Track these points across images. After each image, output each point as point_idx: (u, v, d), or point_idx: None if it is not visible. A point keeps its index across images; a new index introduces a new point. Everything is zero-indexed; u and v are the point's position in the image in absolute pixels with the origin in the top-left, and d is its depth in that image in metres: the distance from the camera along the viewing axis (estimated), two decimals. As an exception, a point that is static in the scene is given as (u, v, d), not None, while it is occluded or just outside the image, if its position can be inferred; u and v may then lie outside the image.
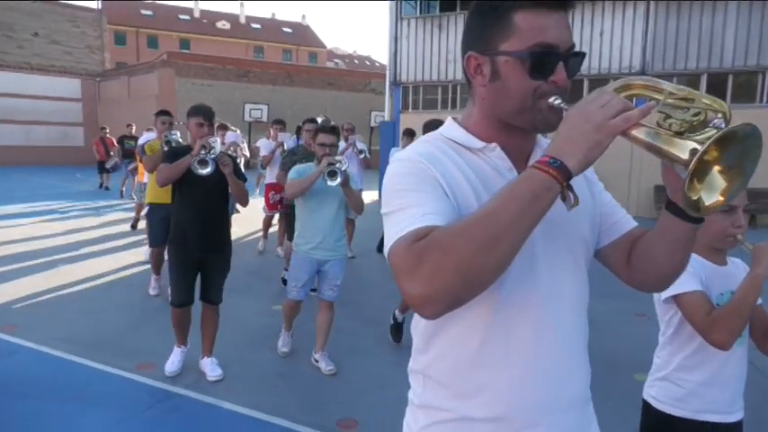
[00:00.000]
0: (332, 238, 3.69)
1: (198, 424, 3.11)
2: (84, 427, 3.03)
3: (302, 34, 48.59)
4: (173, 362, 3.67)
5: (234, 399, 3.29)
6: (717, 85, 11.33)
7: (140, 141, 7.06)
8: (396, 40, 14.53)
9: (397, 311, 4.21)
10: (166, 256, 4.04)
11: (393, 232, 0.85)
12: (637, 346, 3.54)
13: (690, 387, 1.65)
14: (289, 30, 48.37)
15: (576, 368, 1.02)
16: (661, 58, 11.69)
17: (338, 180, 3.45)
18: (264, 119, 20.25)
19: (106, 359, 3.86)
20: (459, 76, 13.83)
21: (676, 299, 1.58)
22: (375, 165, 11.55)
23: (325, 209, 3.67)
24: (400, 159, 0.96)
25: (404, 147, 6.96)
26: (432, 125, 6.59)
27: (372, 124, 21.07)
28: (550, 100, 0.90)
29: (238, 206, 5.21)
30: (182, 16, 42.92)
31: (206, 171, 3.34)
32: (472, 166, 0.96)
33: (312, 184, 3.51)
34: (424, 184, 0.90)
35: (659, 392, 1.72)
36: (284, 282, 5.30)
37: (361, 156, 7.04)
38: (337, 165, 3.49)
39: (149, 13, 40.97)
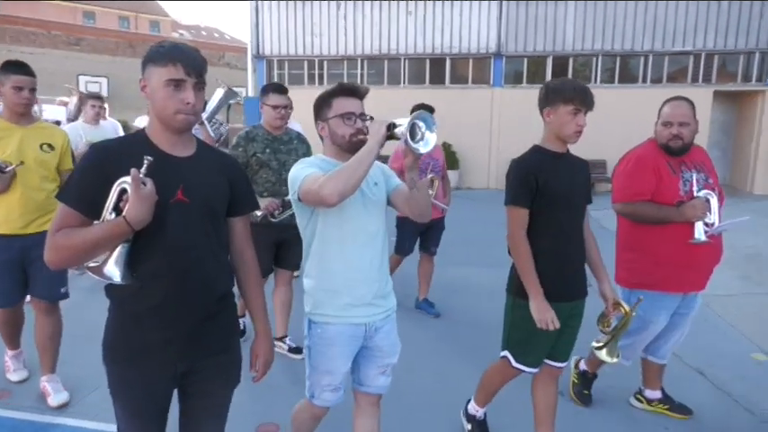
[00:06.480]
0: (382, 280, 2.06)
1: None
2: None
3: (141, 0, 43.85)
4: None
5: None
6: (560, 66, 12.54)
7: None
8: (257, 11, 13.73)
9: None
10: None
11: None
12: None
13: None
14: (125, -6, 43.32)
15: None
16: (514, 41, 12.57)
17: (430, 143, 1.80)
18: (105, 93, 18.04)
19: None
20: (326, 51, 13.61)
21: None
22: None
23: (370, 229, 2.01)
24: None
25: None
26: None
27: (230, 101, 19.87)
28: None
29: None
30: (-14, -30, 36.14)
31: None
32: None
33: (370, 167, 1.79)
34: None
35: None
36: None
37: None
38: (399, 125, 1.80)
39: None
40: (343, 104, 2.00)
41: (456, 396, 3.00)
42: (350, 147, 1.96)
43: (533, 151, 2.37)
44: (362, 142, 1.87)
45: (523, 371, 2.45)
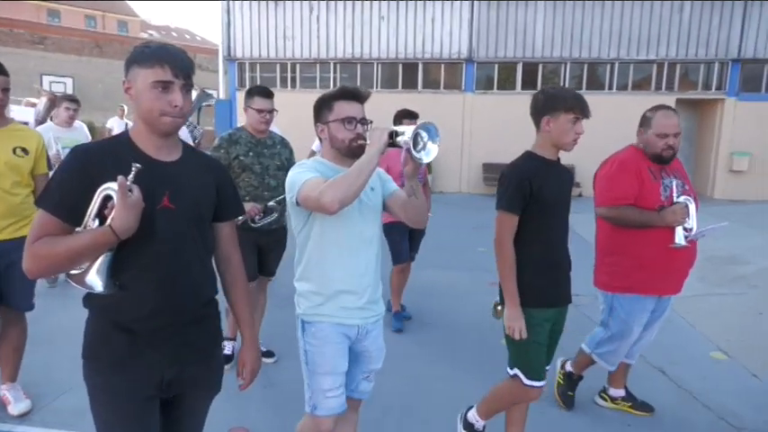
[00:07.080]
0: (374, 285, 2.07)
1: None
2: None
3: (109, -1, 42.90)
4: None
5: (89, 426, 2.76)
6: (530, 73, 12.79)
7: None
8: (228, 12, 13.61)
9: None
10: None
11: None
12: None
13: None
14: (91, -8, 42.30)
15: None
16: (485, 47, 12.77)
17: (432, 153, 1.79)
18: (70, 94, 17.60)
19: None
20: (298, 54, 13.56)
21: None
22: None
23: (366, 235, 2.01)
24: None
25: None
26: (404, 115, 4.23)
27: (202, 104, 19.62)
28: None
29: None
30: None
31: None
32: None
33: (371, 175, 1.81)
34: None
35: None
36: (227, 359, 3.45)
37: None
38: (401, 132, 1.78)
39: None
40: (344, 108, 1.96)
41: (429, 398, 3.03)
42: (349, 151, 1.95)
43: (527, 158, 2.33)
44: (362, 147, 1.87)
45: (534, 387, 2.35)
